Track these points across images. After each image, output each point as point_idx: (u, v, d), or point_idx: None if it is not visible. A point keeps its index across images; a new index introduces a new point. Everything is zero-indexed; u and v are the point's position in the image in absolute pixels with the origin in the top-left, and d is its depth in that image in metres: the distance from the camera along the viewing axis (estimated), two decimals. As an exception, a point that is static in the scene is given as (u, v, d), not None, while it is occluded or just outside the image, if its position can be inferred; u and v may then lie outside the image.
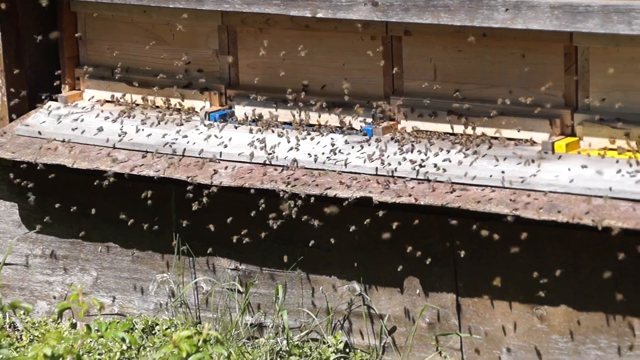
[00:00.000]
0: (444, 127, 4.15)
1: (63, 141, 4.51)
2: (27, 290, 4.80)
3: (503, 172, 3.85)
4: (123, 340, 4.04)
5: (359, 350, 4.19)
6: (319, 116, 4.35)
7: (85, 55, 4.80)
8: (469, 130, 4.10)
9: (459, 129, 4.10)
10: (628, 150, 3.86)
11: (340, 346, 4.19)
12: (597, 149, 3.92)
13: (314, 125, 4.34)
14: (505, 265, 3.91)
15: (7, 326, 4.56)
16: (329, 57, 4.34)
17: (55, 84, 4.82)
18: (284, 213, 4.05)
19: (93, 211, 4.54)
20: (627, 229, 3.64)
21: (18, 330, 4.63)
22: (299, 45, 4.33)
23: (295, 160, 4.09)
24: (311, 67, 4.33)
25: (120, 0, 4.44)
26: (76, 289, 4.16)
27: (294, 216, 4.10)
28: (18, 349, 4.21)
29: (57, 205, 4.55)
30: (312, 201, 4.07)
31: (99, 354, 4.24)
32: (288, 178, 4.11)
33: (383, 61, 4.26)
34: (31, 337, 4.50)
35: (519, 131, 4.04)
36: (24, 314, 4.65)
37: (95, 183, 4.41)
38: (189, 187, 4.24)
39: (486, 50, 4.06)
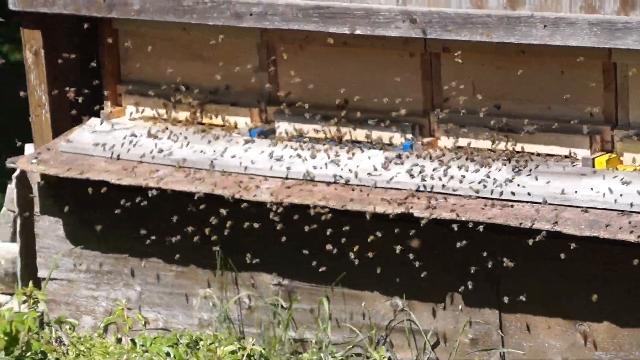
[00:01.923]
0: (484, 143, 4.13)
1: (105, 157, 4.51)
2: (73, 305, 4.83)
3: (543, 188, 3.84)
4: (168, 355, 4.24)
5: (402, 365, 4.18)
6: (359, 132, 4.34)
7: (127, 72, 4.79)
8: (509, 146, 4.08)
9: (498, 144, 4.10)
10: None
11: (384, 361, 4.19)
12: (638, 165, 3.91)
13: (353, 141, 4.32)
14: (548, 281, 3.90)
15: (54, 340, 4.61)
16: (368, 73, 4.33)
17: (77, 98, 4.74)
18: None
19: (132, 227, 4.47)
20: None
21: (64, 344, 4.67)
22: (338, 61, 4.32)
23: (335, 176, 4.08)
24: (350, 83, 4.34)
25: (160, 18, 4.42)
26: (121, 304, 4.34)
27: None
28: (65, 364, 4.27)
29: (100, 221, 4.58)
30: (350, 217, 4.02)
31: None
32: (328, 194, 4.11)
33: (421, 77, 4.21)
34: (77, 352, 4.53)
35: (558, 147, 4.02)
36: (69, 328, 4.67)
37: (137, 200, 4.41)
38: (229, 203, 4.20)
39: (525, 66, 4.04)
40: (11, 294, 4.91)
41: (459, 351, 4.09)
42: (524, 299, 3.98)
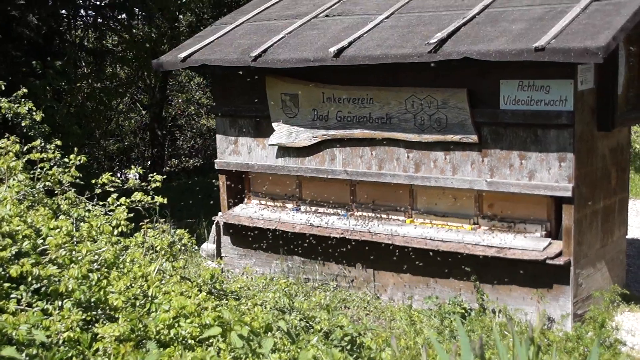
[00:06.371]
0: (373, 216, 8.60)
1: (245, 216, 8.74)
2: (232, 265, 9.01)
3: (387, 228, 8.09)
4: (264, 283, 7.99)
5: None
6: (330, 210, 8.60)
7: (252, 189, 9.13)
8: (374, 215, 8.46)
9: (375, 216, 8.71)
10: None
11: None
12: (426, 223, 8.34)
13: (326, 213, 8.65)
14: (392, 263, 8.21)
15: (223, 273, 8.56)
16: (333, 191, 8.71)
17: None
18: None
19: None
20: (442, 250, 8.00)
21: (229, 275, 8.73)
22: (325, 186, 8.56)
23: (320, 224, 8.59)
24: (327, 194, 8.65)
25: (260, 171, 8.65)
26: (248, 265, 8.77)
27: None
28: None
29: (244, 236, 8.69)
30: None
31: (240, 287, 8.11)
32: (316, 230, 8.52)
33: (349, 193, 8.65)
34: (234, 280, 8.17)
35: (393, 215, 8.34)
36: (231, 274, 8.74)
37: (256, 232, 8.74)
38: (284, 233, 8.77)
39: (385, 186, 8.52)
40: (212, 261, 8.67)
41: (358, 282, 8.60)
42: (381, 267, 8.35)
